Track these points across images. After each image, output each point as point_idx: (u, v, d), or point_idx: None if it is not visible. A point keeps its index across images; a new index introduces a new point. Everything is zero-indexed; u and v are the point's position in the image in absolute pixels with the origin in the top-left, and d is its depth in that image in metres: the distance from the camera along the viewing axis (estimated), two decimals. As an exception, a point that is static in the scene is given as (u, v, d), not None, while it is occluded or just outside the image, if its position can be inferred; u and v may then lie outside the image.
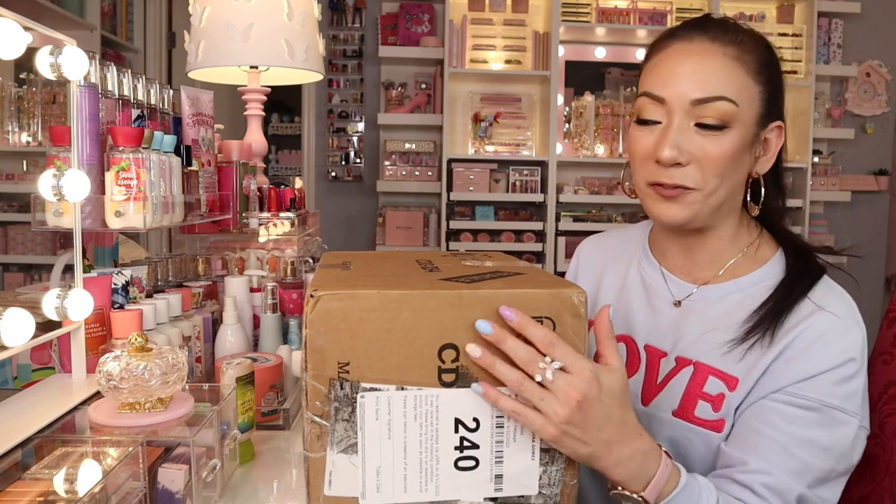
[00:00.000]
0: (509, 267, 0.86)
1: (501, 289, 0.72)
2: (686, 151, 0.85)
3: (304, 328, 0.69)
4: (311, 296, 0.69)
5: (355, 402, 0.70)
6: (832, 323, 0.83)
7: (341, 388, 0.70)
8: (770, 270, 0.91)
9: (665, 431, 0.90)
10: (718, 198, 0.88)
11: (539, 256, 3.64)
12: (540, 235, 3.66)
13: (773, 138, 0.90)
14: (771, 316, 0.85)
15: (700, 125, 0.85)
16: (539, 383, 0.68)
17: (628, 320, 0.99)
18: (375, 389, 0.70)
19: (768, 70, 0.88)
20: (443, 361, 0.71)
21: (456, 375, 0.71)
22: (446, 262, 0.91)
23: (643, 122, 0.89)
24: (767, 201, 0.92)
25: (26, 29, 0.78)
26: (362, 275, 0.81)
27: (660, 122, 0.87)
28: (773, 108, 0.89)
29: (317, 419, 0.70)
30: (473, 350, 0.68)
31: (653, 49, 0.92)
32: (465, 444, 0.72)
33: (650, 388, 0.93)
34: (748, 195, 0.92)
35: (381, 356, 0.70)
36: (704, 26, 0.88)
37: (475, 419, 0.72)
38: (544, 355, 0.68)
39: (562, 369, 0.68)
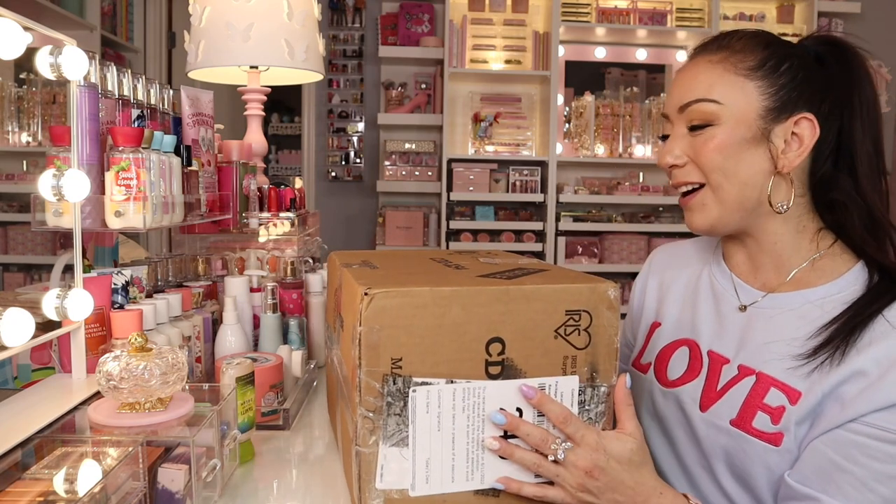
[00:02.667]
0: (531, 264, 0.89)
1: (542, 284, 0.75)
2: (681, 155, 0.92)
3: (358, 326, 0.70)
4: (366, 294, 0.70)
5: (407, 396, 0.72)
6: None
7: (394, 384, 0.72)
8: (843, 285, 0.87)
9: (721, 440, 0.88)
10: (731, 195, 0.88)
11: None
12: (540, 235, 3.66)
13: (802, 132, 0.87)
14: (843, 334, 0.81)
15: (690, 128, 0.91)
16: (553, 460, 0.76)
17: (694, 324, 0.97)
18: (426, 384, 0.72)
19: (773, 65, 0.87)
20: (489, 355, 0.74)
21: (501, 368, 0.74)
22: (465, 260, 0.92)
23: (663, 140, 0.97)
24: (840, 208, 0.88)
25: (26, 29, 0.78)
26: (398, 273, 0.82)
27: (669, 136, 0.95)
28: (791, 102, 0.87)
29: (370, 415, 0.72)
30: (491, 444, 0.75)
31: None
32: (509, 433, 0.75)
33: (709, 395, 0.91)
34: (813, 197, 0.90)
35: (432, 351, 0.72)
36: (703, 45, 0.94)
37: (518, 409, 0.75)
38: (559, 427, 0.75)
39: (572, 440, 0.75)
